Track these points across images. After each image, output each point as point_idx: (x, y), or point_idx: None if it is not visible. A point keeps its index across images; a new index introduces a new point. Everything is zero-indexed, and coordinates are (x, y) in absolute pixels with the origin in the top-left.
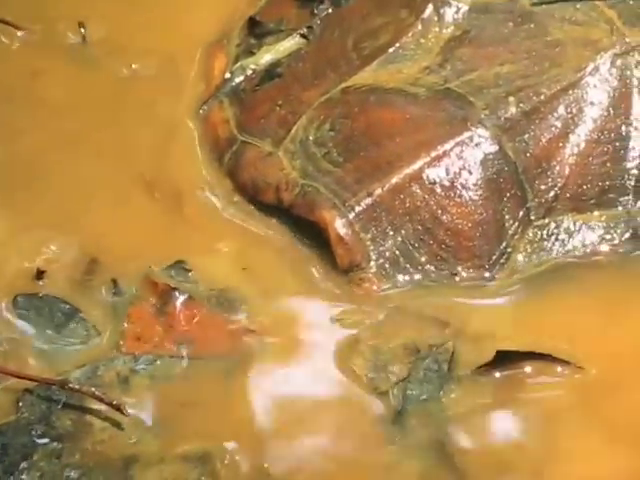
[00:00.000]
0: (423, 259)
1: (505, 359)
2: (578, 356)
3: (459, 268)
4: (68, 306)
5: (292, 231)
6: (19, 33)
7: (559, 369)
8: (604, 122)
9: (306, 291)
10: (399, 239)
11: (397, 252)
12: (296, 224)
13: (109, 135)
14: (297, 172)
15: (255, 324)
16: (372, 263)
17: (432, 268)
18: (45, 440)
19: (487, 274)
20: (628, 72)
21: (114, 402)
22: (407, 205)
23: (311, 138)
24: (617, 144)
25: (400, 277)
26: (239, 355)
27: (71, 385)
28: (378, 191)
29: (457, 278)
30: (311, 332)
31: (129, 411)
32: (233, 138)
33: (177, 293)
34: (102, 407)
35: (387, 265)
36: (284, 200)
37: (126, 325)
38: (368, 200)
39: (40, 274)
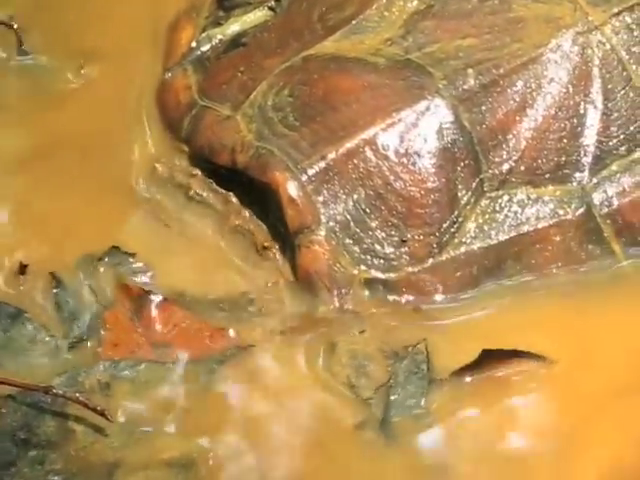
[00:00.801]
0: (374, 224)
1: (489, 358)
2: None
3: (409, 235)
4: (11, 308)
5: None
6: None
7: (539, 366)
8: (563, 98)
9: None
10: (351, 203)
11: (348, 216)
12: (254, 198)
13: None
14: (253, 135)
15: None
16: (322, 226)
17: (382, 234)
18: (28, 446)
19: (436, 242)
20: (589, 51)
21: (98, 407)
22: (360, 170)
23: (269, 103)
24: (575, 121)
25: (349, 241)
26: (217, 358)
27: (55, 391)
28: (332, 155)
29: (406, 246)
30: (286, 334)
31: (112, 417)
32: (194, 103)
33: (152, 296)
34: (85, 413)
35: (337, 229)
36: (238, 162)
37: (103, 332)
38: (321, 163)
39: (23, 268)
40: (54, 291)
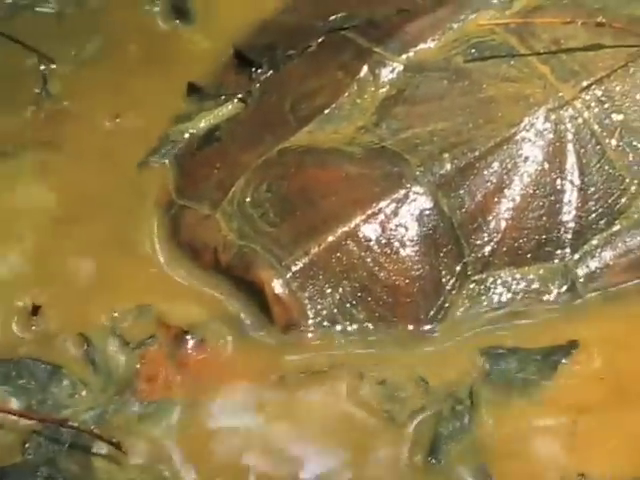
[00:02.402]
0: (361, 316)
1: None
2: None
3: (397, 325)
4: (47, 365)
5: (231, 290)
6: None
7: None
8: (539, 176)
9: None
10: (337, 297)
11: (335, 310)
12: (236, 285)
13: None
14: (234, 233)
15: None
16: (310, 321)
17: (370, 325)
18: None
19: (426, 328)
20: (562, 126)
21: (113, 440)
22: (344, 263)
23: (248, 200)
24: (552, 198)
25: (338, 335)
26: (248, 397)
27: (70, 423)
28: (314, 250)
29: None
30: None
31: (135, 453)
32: (172, 202)
33: (188, 336)
34: (104, 448)
35: (325, 323)
36: (222, 261)
37: (139, 366)
38: (305, 259)
39: (35, 310)
40: (85, 349)
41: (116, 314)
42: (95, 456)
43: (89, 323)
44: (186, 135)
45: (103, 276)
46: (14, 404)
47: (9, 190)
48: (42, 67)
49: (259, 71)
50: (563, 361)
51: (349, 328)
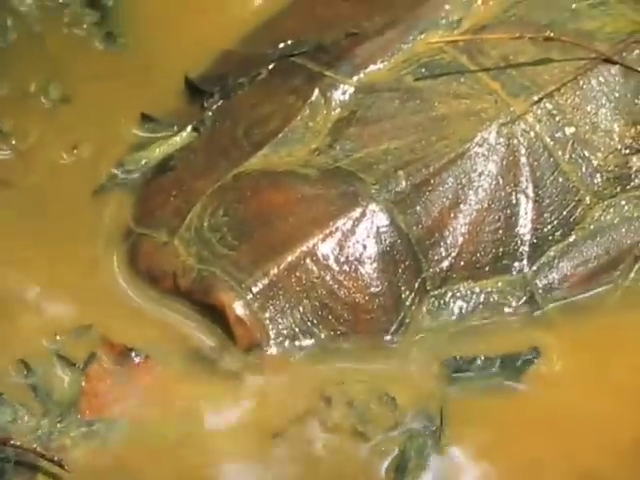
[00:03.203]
0: (323, 335)
1: None
2: None
3: (358, 340)
4: None
5: (191, 315)
6: None
7: None
8: (494, 190)
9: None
10: (297, 316)
11: (296, 329)
12: (196, 309)
13: None
14: (193, 258)
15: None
16: (271, 342)
17: (331, 342)
18: None
19: (386, 339)
20: (515, 140)
21: (55, 458)
22: (303, 282)
23: (205, 225)
24: (508, 211)
25: (299, 353)
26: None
27: (12, 442)
28: (274, 270)
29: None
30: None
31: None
32: (130, 231)
33: (133, 353)
34: (52, 468)
35: (287, 343)
36: (181, 286)
37: (84, 384)
38: (264, 280)
39: None
40: (25, 375)
41: (58, 337)
42: (41, 472)
43: (32, 347)
44: (141, 164)
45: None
46: None
47: None
48: None
49: (211, 100)
50: (525, 367)
51: (310, 346)
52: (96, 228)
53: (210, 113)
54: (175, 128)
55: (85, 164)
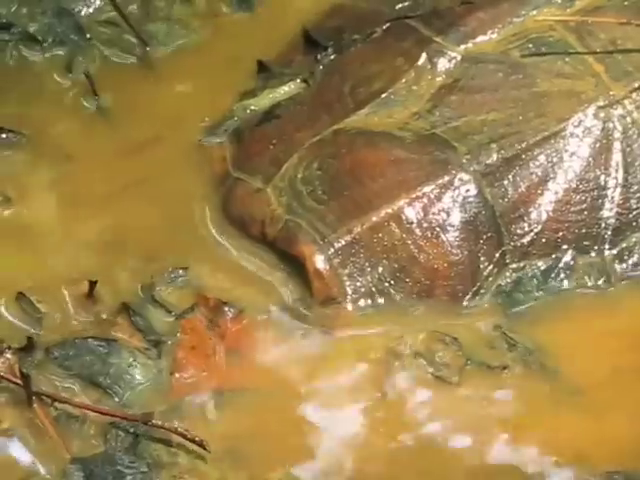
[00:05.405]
0: (398, 297)
1: None
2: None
3: (433, 304)
4: (101, 340)
5: (275, 263)
6: None
7: None
8: (583, 172)
9: None
10: (375, 276)
11: (373, 289)
12: (280, 258)
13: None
14: (282, 208)
15: None
16: (348, 298)
17: (407, 305)
18: (132, 470)
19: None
20: (610, 124)
21: (196, 438)
22: (385, 243)
23: (299, 176)
24: (595, 193)
25: (373, 312)
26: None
27: (154, 422)
28: (357, 229)
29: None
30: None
31: (209, 447)
32: (227, 174)
33: (227, 307)
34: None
35: (362, 301)
36: (268, 235)
37: (179, 335)
38: (347, 237)
39: (92, 288)
40: (132, 319)
41: (154, 280)
42: (176, 445)
43: (133, 292)
44: (248, 111)
45: (147, 243)
46: (90, 395)
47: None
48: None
49: (324, 53)
50: None
51: (384, 305)
52: (197, 170)
53: (321, 67)
54: (286, 78)
55: (196, 112)
